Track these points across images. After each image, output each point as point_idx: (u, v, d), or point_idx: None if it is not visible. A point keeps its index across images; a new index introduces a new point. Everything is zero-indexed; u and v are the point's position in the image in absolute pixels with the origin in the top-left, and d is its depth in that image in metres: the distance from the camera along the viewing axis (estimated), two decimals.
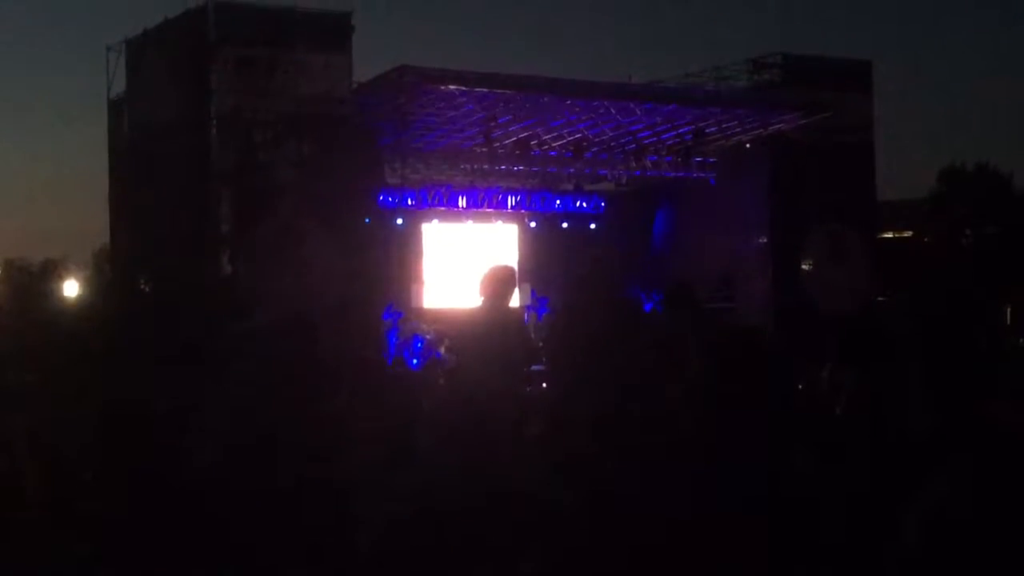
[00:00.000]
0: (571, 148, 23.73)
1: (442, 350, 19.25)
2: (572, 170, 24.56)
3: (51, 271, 20.69)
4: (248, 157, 19.49)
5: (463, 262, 23.98)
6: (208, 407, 6.68)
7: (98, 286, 22.21)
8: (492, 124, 22.04)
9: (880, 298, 23.68)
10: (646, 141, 23.80)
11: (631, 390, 5.86)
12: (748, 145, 24.11)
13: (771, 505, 3.76)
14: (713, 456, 3.81)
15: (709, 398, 3.93)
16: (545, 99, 21.48)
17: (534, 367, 9.09)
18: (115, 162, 22.73)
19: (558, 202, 25.46)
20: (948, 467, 2.62)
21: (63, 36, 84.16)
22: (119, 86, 22.25)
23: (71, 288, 20.75)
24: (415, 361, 19.69)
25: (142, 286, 20.24)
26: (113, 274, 22.23)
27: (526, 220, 25.27)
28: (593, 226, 25.77)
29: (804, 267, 24.14)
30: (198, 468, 5.99)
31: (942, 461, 2.70)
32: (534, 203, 25.11)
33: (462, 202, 24.18)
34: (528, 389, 8.79)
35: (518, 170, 24.48)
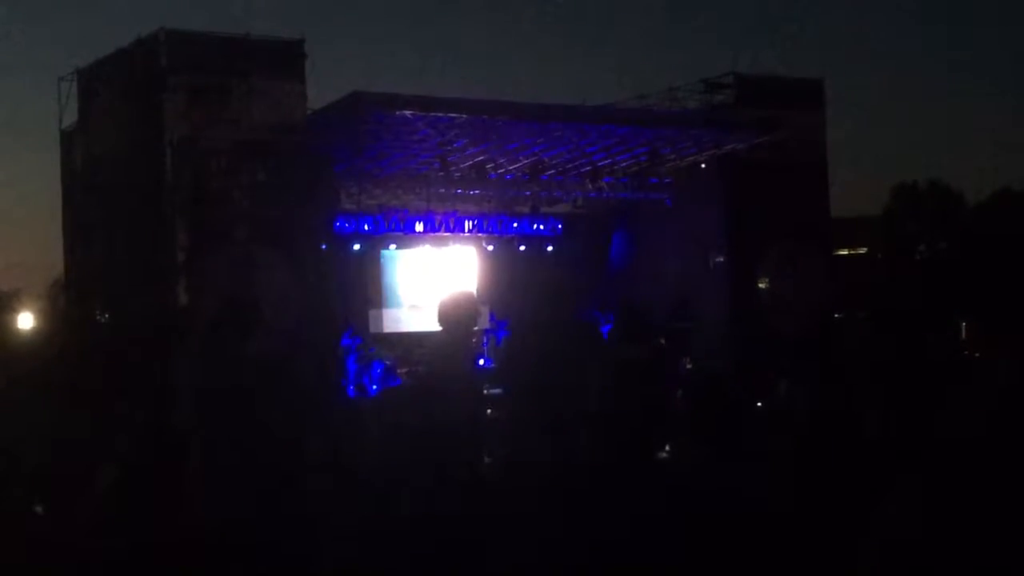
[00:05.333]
0: (527, 171, 23.77)
1: (401, 376, 19.21)
2: (528, 193, 24.60)
3: (4, 304, 20.49)
4: (203, 185, 19.41)
5: (421, 286, 23.98)
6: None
7: (53, 318, 22.01)
8: (448, 148, 22.03)
9: (836, 315, 23.88)
10: (601, 163, 23.88)
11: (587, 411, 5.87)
12: (703, 165, 24.24)
13: (725, 519, 3.77)
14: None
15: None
16: (500, 123, 21.51)
17: (493, 390, 9.05)
18: (68, 193, 22.57)
19: (515, 225, 25.47)
20: (901, 483, 2.64)
21: (13, 67, 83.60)
22: (71, 116, 22.13)
23: (25, 320, 20.56)
24: (375, 387, 19.64)
25: (98, 317, 20.09)
26: (68, 305, 22.05)
27: (483, 243, 25.27)
28: (550, 248, 25.81)
29: (761, 285, 24.35)
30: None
31: (896, 479, 2.72)
32: (491, 226, 25.11)
33: (419, 227, 24.14)
34: (489, 412, 8.75)
35: (475, 194, 24.48)
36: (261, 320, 7.12)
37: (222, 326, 6.94)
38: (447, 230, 24.54)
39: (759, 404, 6.70)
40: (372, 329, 23.46)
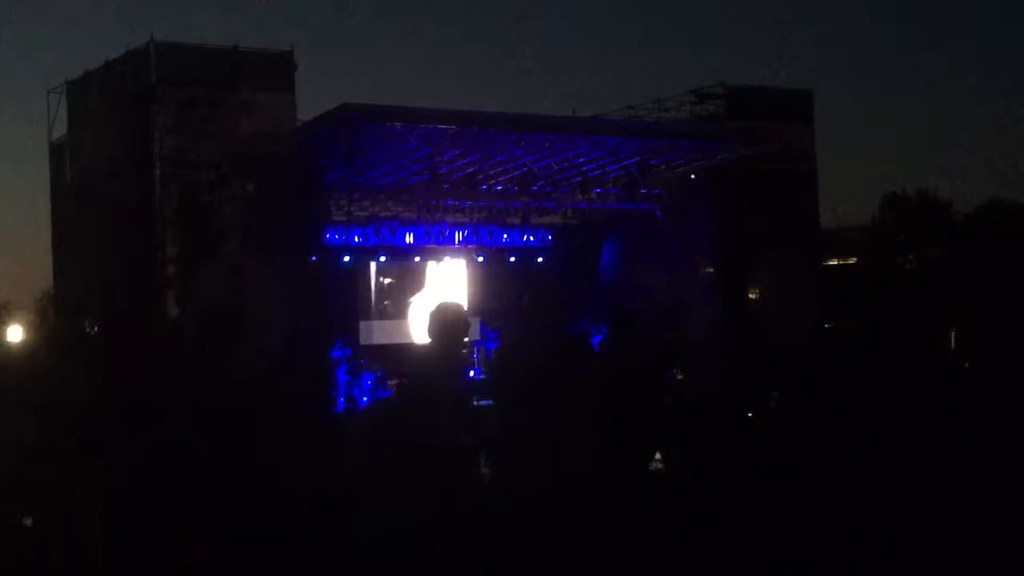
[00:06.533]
0: (517, 182, 23.77)
1: (391, 387, 19.19)
2: (518, 204, 24.60)
3: None
4: (193, 198, 19.41)
5: (411, 298, 23.97)
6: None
7: (43, 331, 21.97)
8: (438, 159, 22.03)
9: (826, 325, 23.92)
10: (591, 174, 23.88)
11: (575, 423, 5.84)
12: (693, 176, 24.26)
13: (719, 533, 3.76)
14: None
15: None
16: (490, 134, 21.52)
17: (481, 402, 9.04)
18: (58, 205, 22.54)
19: (505, 236, 25.46)
20: (894, 497, 2.64)
21: (1, 80, 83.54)
22: (60, 129, 22.11)
23: (15, 333, 20.53)
24: (365, 399, 19.62)
25: (88, 330, 20.05)
26: (58, 318, 22.00)
27: (474, 255, 25.25)
28: (540, 259, 25.81)
29: (751, 296, 24.38)
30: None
31: (888, 490, 2.73)
32: (481, 238, 25.10)
33: (409, 238, 24.12)
34: (479, 425, 8.73)
35: (465, 205, 24.48)
36: (249, 331, 7.10)
37: (209, 338, 6.92)
38: (437, 242, 24.52)
39: (749, 415, 6.70)
40: (362, 341, 23.42)
